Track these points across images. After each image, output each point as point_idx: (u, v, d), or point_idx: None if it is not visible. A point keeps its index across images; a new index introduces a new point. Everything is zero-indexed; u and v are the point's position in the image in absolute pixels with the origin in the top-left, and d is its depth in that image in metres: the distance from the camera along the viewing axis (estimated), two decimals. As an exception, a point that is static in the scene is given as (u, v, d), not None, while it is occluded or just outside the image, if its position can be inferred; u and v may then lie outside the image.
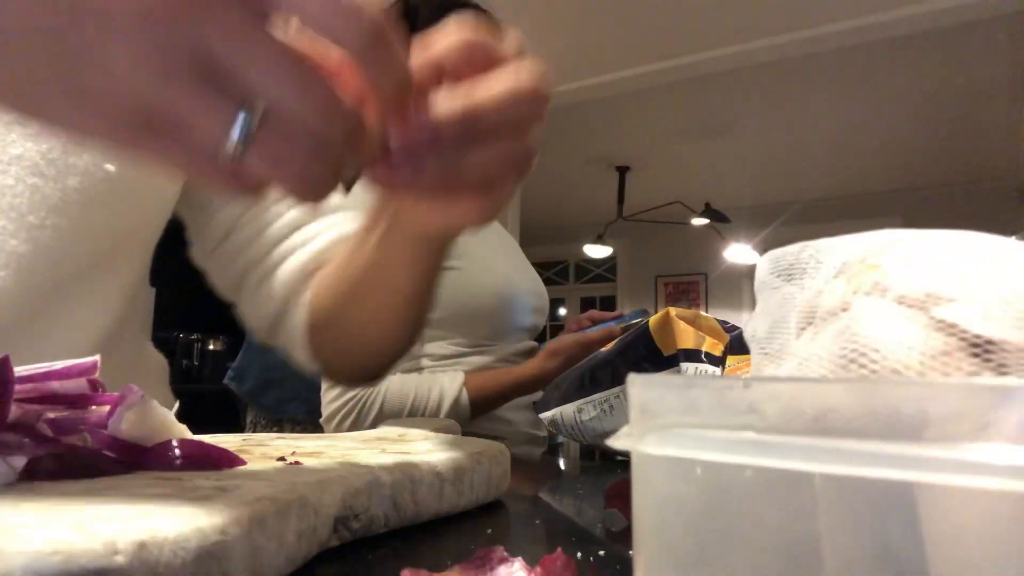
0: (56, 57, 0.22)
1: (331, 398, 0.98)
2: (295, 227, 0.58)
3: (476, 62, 0.30)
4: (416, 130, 0.30)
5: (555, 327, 6.56)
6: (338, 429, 0.97)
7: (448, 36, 0.31)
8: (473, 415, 0.99)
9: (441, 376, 1.01)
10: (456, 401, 0.98)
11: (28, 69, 0.23)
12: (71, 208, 0.45)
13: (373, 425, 0.95)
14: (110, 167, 0.47)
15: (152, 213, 0.54)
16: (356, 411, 0.97)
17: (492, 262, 1.08)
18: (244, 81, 0.23)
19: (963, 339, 0.20)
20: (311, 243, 0.57)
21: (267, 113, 0.24)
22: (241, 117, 0.23)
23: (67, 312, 0.48)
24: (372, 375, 0.60)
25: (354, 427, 0.96)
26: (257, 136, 0.23)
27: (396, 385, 0.99)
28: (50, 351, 0.46)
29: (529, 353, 1.13)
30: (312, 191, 0.26)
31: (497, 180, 0.35)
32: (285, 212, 0.58)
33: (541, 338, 1.20)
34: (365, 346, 0.56)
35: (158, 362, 0.64)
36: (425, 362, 1.09)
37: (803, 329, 0.25)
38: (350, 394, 0.97)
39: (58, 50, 0.22)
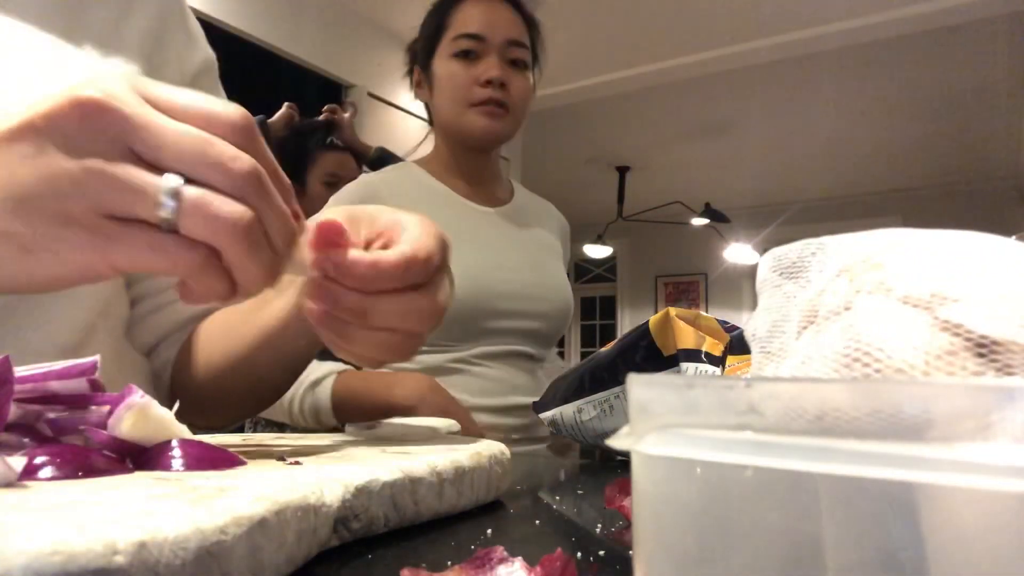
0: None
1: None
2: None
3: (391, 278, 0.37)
4: (327, 308, 0.36)
5: (555, 327, 6.55)
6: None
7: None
8: (338, 418, 0.95)
9: (321, 364, 0.97)
10: (312, 391, 0.95)
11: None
12: None
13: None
14: None
15: None
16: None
17: (455, 263, 1.01)
18: (159, 164, 0.30)
19: (968, 339, 0.20)
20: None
21: (187, 181, 0.30)
22: (164, 185, 0.29)
23: (42, 308, 0.48)
24: (229, 423, 0.65)
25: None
26: (184, 199, 0.29)
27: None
28: (30, 348, 0.47)
29: (508, 357, 1.07)
30: (250, 253, 0.31)
31: (404, 327, 0.39)
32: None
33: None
34: (222, 410, 0.61)
35: (138, 363, 0.65)
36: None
37: (804, 328, 0.25)
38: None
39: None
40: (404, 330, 0.38)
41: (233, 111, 0.31)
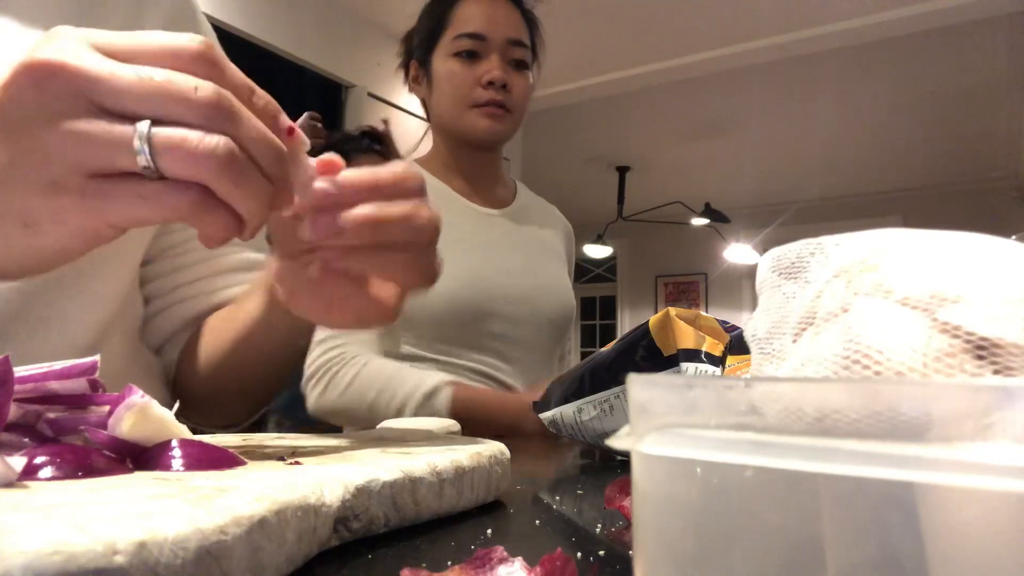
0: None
1: (312, 358, 0.98)
2: (199, 277, 0.62)
3: (385, 193, 0.36)
4: (329, 227, 0.35)
5: (555, 327, 6.55)
6: (313, 389, 0.97)
7: (370, 171, 0.37)
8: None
9: (425, 373, 0.96)
10: (426, 402, 0.92)
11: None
12: None
13: (343, 396, 0.96)
14: None
15: None
16: (331, 373, 0.97)
17: (455, 264, 1.01)
18: (126, 112, 0.29)
19: (968, 341, 0.20)
20: (209, 296, 0.62)
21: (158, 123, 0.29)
22: (136, 130, 0.29)
23: (62, 309, 0.49)
24: (229, 423, 0.65)
25: (327, 390, 0.96)
26: (155, 142, 0.29)
27: (376, 365, 0.96)
28: (46, 348, 0.47)
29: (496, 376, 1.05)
30: (238, 182, 0.30)
31: (398, 283, 0.40)
32: (194, 264, 0.62)
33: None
34: (218, 409, 0.62)
35: (153, 362, 0.64)
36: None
37: (803, 330, 0.25)
38: (329, 355, 0.97)
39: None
40: (403, 264, 0.38)
41: (190, 41, 0.30)
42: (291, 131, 0.33)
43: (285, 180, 0.33)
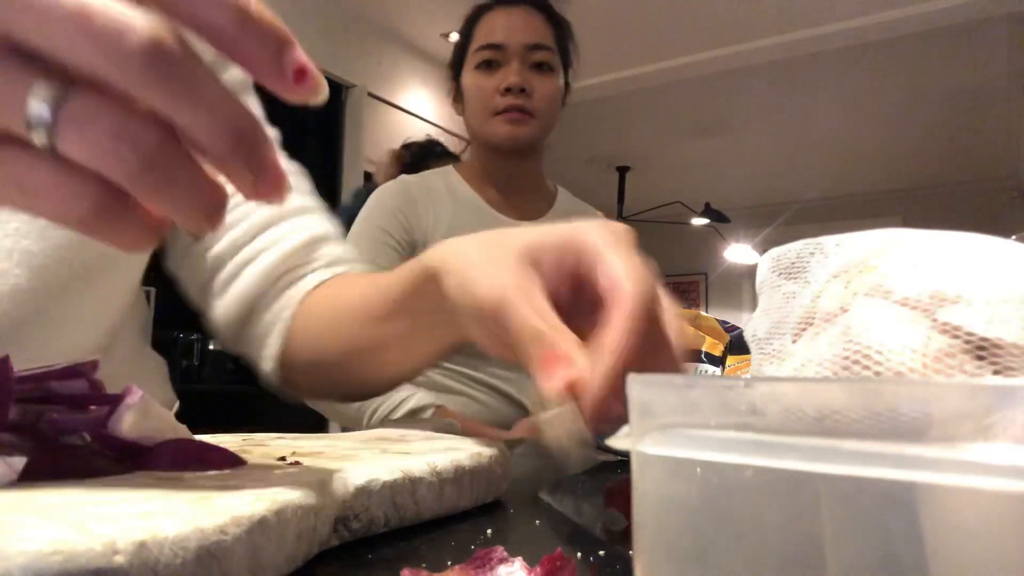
0: None
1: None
2: (263, 228, 0.57)
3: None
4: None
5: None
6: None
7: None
8: None
9: (416, 390, 0.97)
10: (408, 417, 0.93)
11: None
12: None
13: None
14: None
15: None
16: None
17: None
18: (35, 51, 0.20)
19: (968, 341, 0.20)
20: (278, 245, 0.57)
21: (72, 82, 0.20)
22: (34, 88, 0.20)
23: (75, 311, 0.49)
24: (344, 399, 0.61)
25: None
26: (59, 112, 0.20)
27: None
28: (60, 349, 0.47)
29: (518, 385, 1.07)
30: (157, 187, 0.21)
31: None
32: (253, 213, 0.57)
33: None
34: (354, 388, 0.56)
35: (157, 362, 0.64)
36: None
37: (803, 330, 0.25)
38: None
39: None
40: None
41: None
42: (301, 73, 0.22)
43: (248, 176, 0.22)
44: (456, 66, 1.13)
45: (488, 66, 1.06)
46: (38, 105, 0.20)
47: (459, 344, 0.46)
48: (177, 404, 0.63)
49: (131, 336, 0.58)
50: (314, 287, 0.56)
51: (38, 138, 0.20)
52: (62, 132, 0.20)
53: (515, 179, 1.14)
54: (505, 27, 1.06)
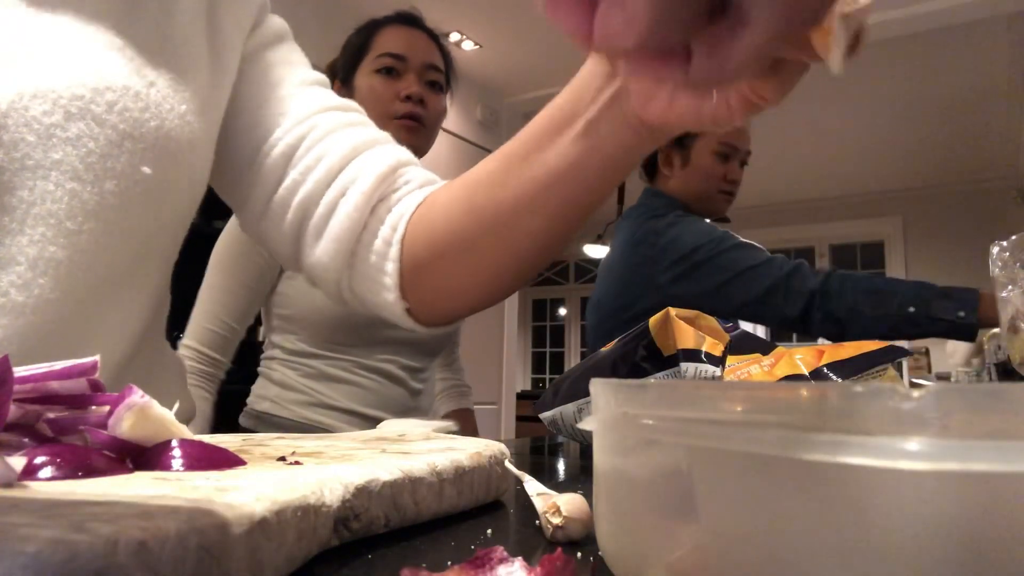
0: None
1: None
2: (345, 162, 0.54)
3: None
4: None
5: (555, 327, 6.56)
6: None
7: None
8: None
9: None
10: None
11: None
12: (107, 212, 0.44)
13: None
14: (146, 170, 0.46)
15: (182, 213, 0.53)
16: None
17: None
18: None
19: None
20: (365, 174, 0.54)
21: None
22: None
23: (102, 317, 0.47)
24: (461, 316, 0.56)
25: None
26: None
27: None
28: (87, 356, 0.45)
29: (411, 371, 1.14)
30: None
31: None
32: (329, 152, 0.55)
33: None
34: (499, 271, 0.50)
35: (177, 362, 0.64)
36: (278, 353, 1.13)
37: None
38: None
39: None
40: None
41: None
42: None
43: None
44: (347, 69, 1.19)
45: (388, 73, 1.14)
46: None
47: (615, 164, 0.42)
48: (177, 404, 0.61)
49: (155, 339, 0.57)
50: (422, 201, 0.54)
51: None
52: None
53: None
54: (408, 42, 1.16)
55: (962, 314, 1.14)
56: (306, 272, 0.56)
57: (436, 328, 0.56)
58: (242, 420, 1.15)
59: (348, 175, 0.54)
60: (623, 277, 1.45)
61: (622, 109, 0.40)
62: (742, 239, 1.39)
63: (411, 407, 1.15)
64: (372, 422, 1.07)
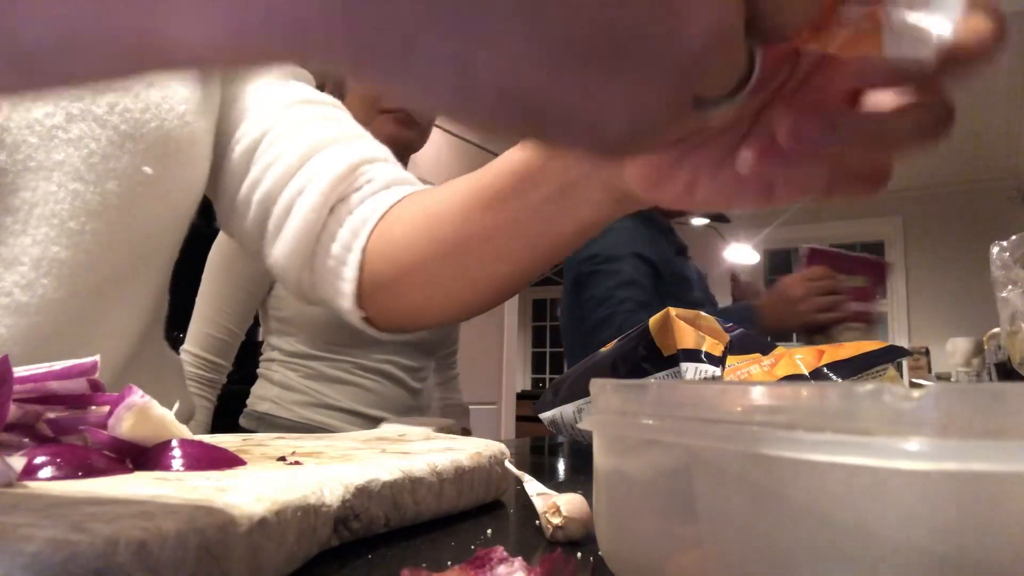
0: None
1: None
2: (304, 159, 0.53)
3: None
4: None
5: (555, 327, 6.54)
6: None
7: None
8: None
9: None
10: None
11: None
12: (110, 212, 0.45)
13: None
14: (148, 170, 0.46)
15: (183, 213, 0.53)
16: None
17: None
18: None
19: None
20: (324, 172, 0.52)
21: None
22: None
23: (104, 317, 0.47)
24: (421, 329, 0.55)
25: None
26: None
27: None
28: (90, 356, 0.45)
29: (410, 371, 1.14)
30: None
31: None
32: (289, 149, 0.54)
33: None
34: (458, 300, 0.49)
35: (176, 362, 0.64)
36: (277, 355, 1.13)
37: None
38: None
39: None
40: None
41: None
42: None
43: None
44: None
45: None
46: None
47: (590, 227, 0.40)
48: (177, 404, 0.61)
49: (155, 339, 0.57)
50: (386, 212, 0.52)
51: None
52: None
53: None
54: None
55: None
56: (271, 271, 0.55)
57: (396, 334, 0.55)
58: (242, 421, 1.15)
59: (306, 174, 0.53)
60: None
61: (604, 178, 0.37)
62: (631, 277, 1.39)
63: (412, 406, 1.15)
64: (374, 422, 1.07)
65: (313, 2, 0.15)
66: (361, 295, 0.52)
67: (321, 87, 1.08)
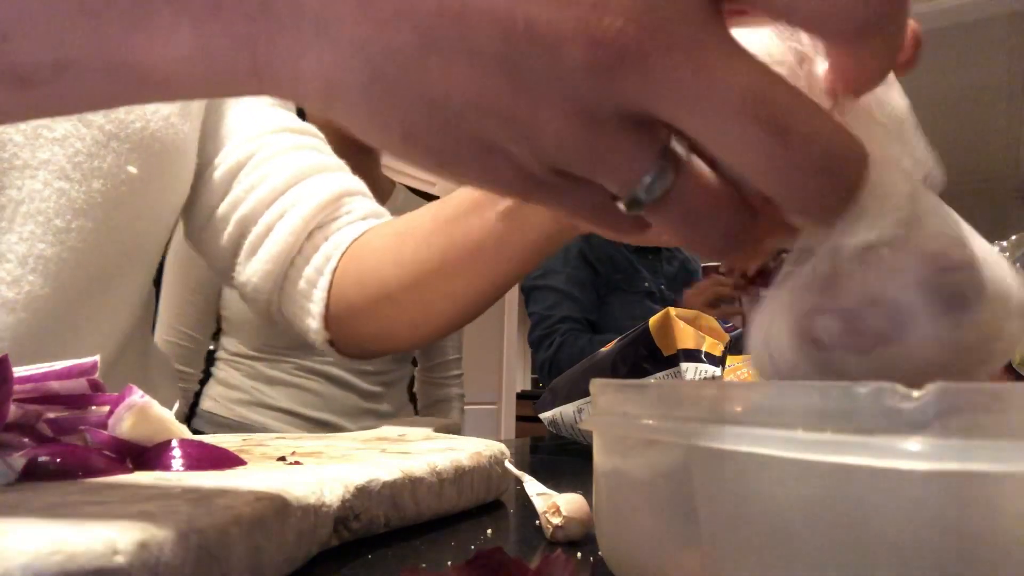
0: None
1: None
2: (289, 184, 0.55)
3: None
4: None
5: (555, 327, 6.54)
6: None
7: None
8: None
9: None
10: None
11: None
12: (95, 210, 0.45)
13: None
14: (132, 169, 0.47)
15: (168, 213, 0.54)
16: None
17: None
18: (677, 124, 0.18)
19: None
20: (307, 199, 0.54)
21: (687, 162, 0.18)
22: (654, 169, 0.18)
23: (92, 315, 0.48)
24: (380, 355, 0.57)
25: None
26: (675, 186, 0.18)
27: None
28: (79, 354, 0.46)
29: (363, 374, 1.12)
30: (726, 248, 0.19)
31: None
32: (275, 173, 0.55)
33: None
34: (418, 325, 0.51)
35: (164, 359, 0.64)
36: (223, 355, 1.12)
37: None
38: None
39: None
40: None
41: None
42: (915, 44, 0.21)
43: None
44: None
45: None
46: (648, 188, 0.18)
47: (543, 246, 0.42)
48: (177, 404, 0.62)
49: (142, 336, 0.57)
50: (358, 236, 0.54)
51: (627, 207, 0.19)
52: (650, 208, 0.19)
53: (354, 170, 1.17)
54: None
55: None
56: (238, 288, 0.57)
57: (356, 360, 0.57)
58: (192, 422, 1.14)
59: (289, 198, 0.55)
60: None
61: (548, 217, 0.40)
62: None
63: (366, 409, 1.11)
64: (317, 425, 1.06)
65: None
66: (328, 317, 0.53)
67: (301, 114, 1.08)
